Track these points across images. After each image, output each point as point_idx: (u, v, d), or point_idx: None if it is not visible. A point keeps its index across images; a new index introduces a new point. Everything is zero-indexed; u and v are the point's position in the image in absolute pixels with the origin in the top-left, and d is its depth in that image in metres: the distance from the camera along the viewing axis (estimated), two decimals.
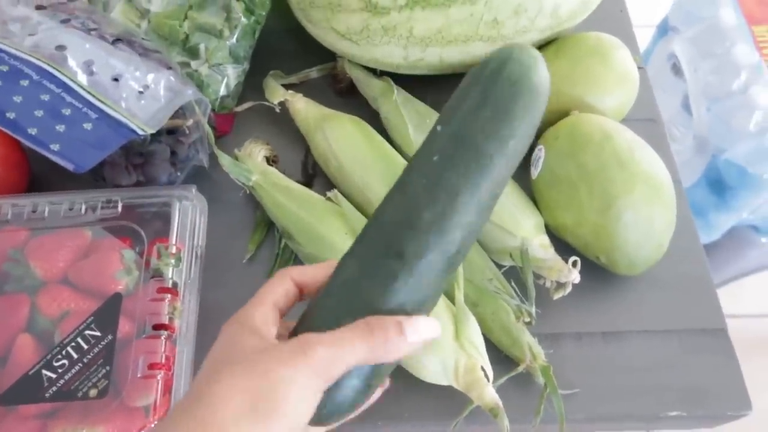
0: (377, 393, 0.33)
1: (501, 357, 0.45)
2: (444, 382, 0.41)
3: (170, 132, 0.50)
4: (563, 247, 0.48)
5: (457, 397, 0.41)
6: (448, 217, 0.30)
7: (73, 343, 0.40)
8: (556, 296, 0.46)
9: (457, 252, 0.31)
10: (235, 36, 0.54)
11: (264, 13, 0.56)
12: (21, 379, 0.40)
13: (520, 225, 0.47)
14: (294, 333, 0.31)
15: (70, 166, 0.42)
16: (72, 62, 0.45)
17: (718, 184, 0.87)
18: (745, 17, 0.91)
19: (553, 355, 0.45)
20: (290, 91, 0.56)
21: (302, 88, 0.58)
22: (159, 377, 0.40)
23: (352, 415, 0.31)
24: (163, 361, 0.40)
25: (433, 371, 0.41)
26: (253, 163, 0.52)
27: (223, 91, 0.55)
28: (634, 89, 0.53)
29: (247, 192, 0.52)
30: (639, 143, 0.47)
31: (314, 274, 0.32)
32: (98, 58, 0.46)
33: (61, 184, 0.51)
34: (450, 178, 0.30)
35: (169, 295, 0.42)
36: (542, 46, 0.54)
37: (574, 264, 0.45)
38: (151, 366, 0.40)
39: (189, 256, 0.46)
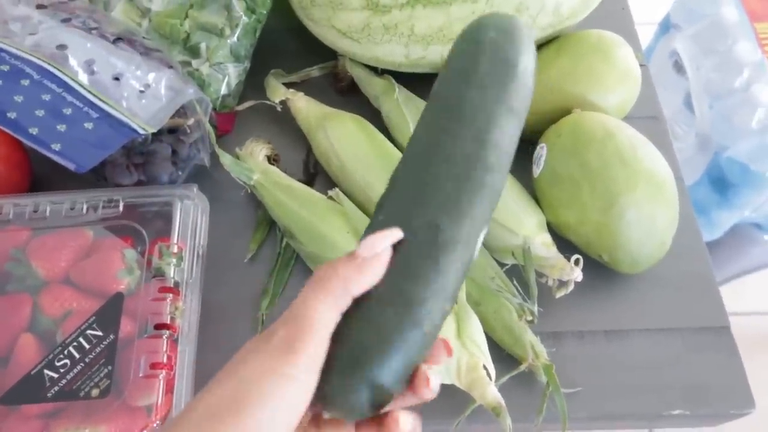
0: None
1: (503, 356, 0.45)
2: (446, 381, 0.41)
3: (171, 131, 0.50)
4: (565, 245, 0.47)
5: (460, 395, 0.41)
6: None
7: (75, 343, 0.40)
8: (559, 295, 0.46)
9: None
10: (236, 35, 0.54)
11: (265, 12, 0.56)
12: (23, 378, 0.40)
13: (522, 223, 0.46)
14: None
15: (71, 166, 0.42)
16: (73, 61, 0.45)
17: (721, 182, 0.87)
18: (748, 14, 0.91)
19: (556, 354, 0.45)
20: (291, 90, 0.56)
21: (303, 86, 0.58)
22: (161, 377, 0.40)
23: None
24: (165, 360, 0.40)
25: (436, 370, 0.41)
26: (254, 162, 0.52)
27: (224, 90, 0.55)
28: (636, 87, 0.53)
29: (249, 191, 0.52)
30: (641, 141, 0.47)
31: None
32: (99, 58, 0.46)
33: (62, 183, 0.51)
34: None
35: (170, 295, 0.42)
36: (544, 44, 0.54)
37: (577, 262, 0.44)
38: (153, 366, 0.40)
39: (191, 256, 0.46)
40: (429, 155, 0.30)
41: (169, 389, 0.40)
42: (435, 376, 0.27)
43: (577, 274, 0.44)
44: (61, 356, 0.40)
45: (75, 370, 0.40)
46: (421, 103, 0.54)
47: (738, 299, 1.17)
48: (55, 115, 0.43)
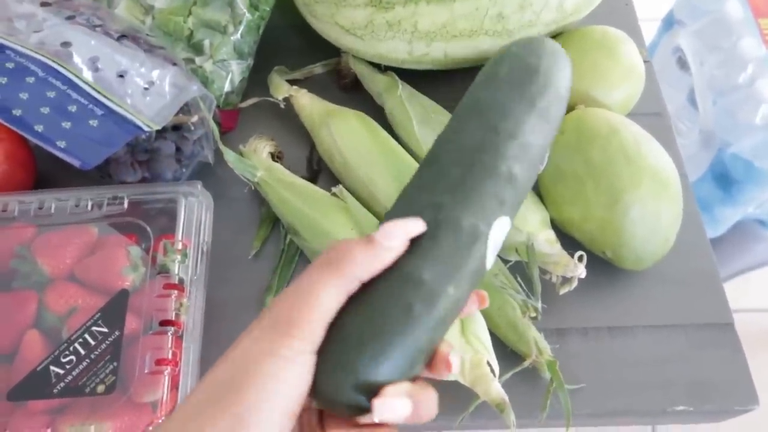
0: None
1: (507, 352, 0.45)
2: (450, 377, 0.41)
3: (175, 128, 0.50)
4: (569, 241, 0.47)
5: (463, 392, 0.41)
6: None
7: (80, 340, 0.41)
8: (562, 291, 0.46)
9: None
10: (240, 32, 0.54)
11: (268, 9, 0.56)
12: (29, 375, 0.40)
13: (526, 220, 0.46)
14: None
15: (76, 163, 0.42)
16: (77, 59, 0.45)
17: (724, 179, 0.87)
18: (752, 10, 0.90)
19: (559, 350, 0.45)
20: (295, 87, 0.56)
21: (306, 83, 0.58)
22: (166, 373, 0.40)
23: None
24: (170, 357, 0.40)
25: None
26: (258, 159, 0.52)
27: (227, 87, 0.55)
28: (640, 83, 0.52)
29: (252, 188, 0.52)
30: (645, 137, 0.47)
31: None
32: (103, 55, 0.46)
33: (66, 181, 0.51)
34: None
35: (175, 291, 0.43)
36: None
37: (580, 259, 0.44)
38: (158, 362, 0.40)
39: (195, 253, 0.46)
40: (441, 148, 0.30)
41: (175, 385, 0.40)
42: (457, 359, 0.26)
43: (581, 271, 0.44)
44: (67, 352, 0.40)
45: (80, 367, 0.40)
46: (424, 100, 0.54)
47: (741, 296, 1.17)
48: (60, 113, 0.43)
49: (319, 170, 0.55)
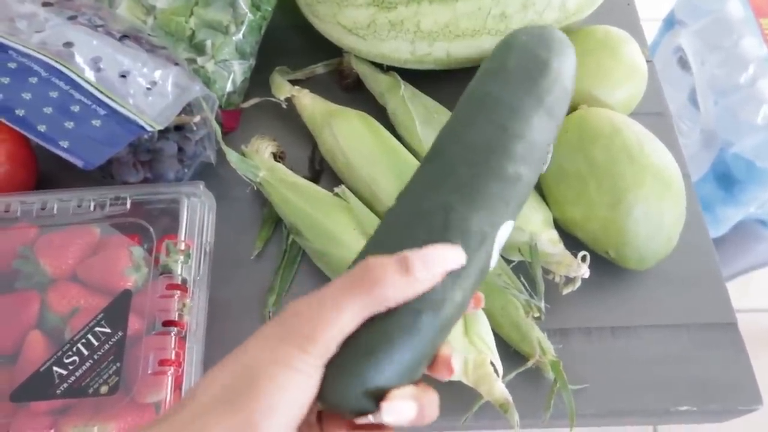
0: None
1: (510, 352, 0.45)
2: (454, 378, 0.41)
3: (177, 128, 0.50)
4: (572, 241, 0.47)
5: (467, 392, 0.41)
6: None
7: (83, 340, 0.41)
8: (565, 291, 0.46)
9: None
10: (242, 32, 0.54)
11: (270, 9, 0.56)
12: (32, 375, 0.40)
13: (529, 220, 0.46)
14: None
15: (79, 163, 0.42)
16: (79, 59, 0.45)
17: (726, 178, 0.87)
18: (753, 10, 0.90)
19: (563, 350, 0.45)
20: (297, 87, 0.56)
21: (309, 84, 0.58)
22: (169, 373, 0.40)
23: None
24: (174, 357, 0.40)
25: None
26: (260, 160, 0.52)
27: (229, 87, 0.55)
28: (642, 83, 0.52)
29: (255, 188, 0.52)
30: (648, 137, 0.47)
31: None
32: (106, 55, 0.46)
33: (68, 181, 0.51)
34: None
35: (178, 292, 0.42)
36: None
37: (583, 259, 0.44)
38: (162, 362, 0.40)
39: (198, 253, 0.46)
40: (447, 143, 0.30)
41: (178, 386, 0.40)
42: (458, 363, 0.27)
43: (584, 271, 0.44)
44: (70, 353, 0.40)
45: (84, 367, 0.40)
46: (426, 100, 0.54)
47: (743, 296, 1.17)
48: (63, 113, 0.43)
49: (321, 170, 0.55)
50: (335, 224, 0.47)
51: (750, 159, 0.82)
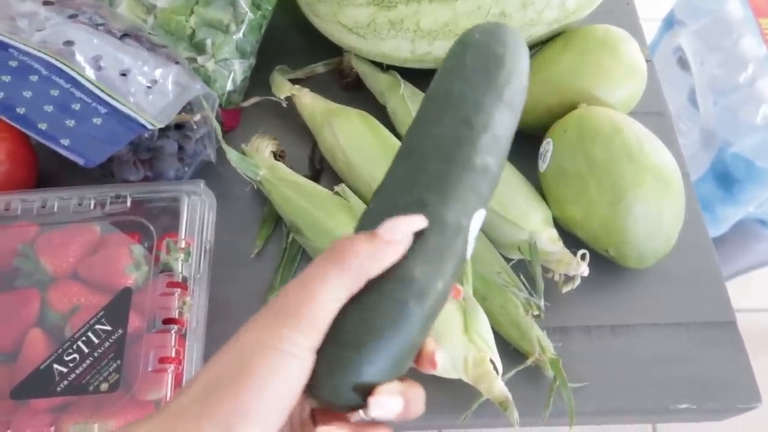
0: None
1: (510, 350, 0.45)
2: (453, 376, 0.41)
3: (178, 127, 0.50)
4: (572, 240, 0.47)
5: (467, 390, 0.41)
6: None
7: (83, 338, 0.41)
8: (565, 290, 0.46)
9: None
10: (242, 31, 0.54)
11: (270, 8, 0.56)
12: (32, 373, 0.40)
13: (529, 219, 0.47)
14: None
15: (80, 161, 0.42)
16: (80, 57, 0.45)
17: (725, 178, 0.87)
18: (752, 10, 0.90)
19: (562, 349, 0.45)
20: (297, 86, 0.56)
21: (309, 83, 0.58)
22: (170, 371, 0.40)
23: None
24: (174, 355, 0.40)
25: (443, 364, 0.41)
26: (260, 158, 0.52)
27: (229, 86, 0.55)
28: (642, 82, 0.53)
29: (255, 187, 0.52)
30: (648, 136, 0.47)
31: None
32: (106, 53, 0.46)
33: (69, 180, 0.51)
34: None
35: (178, 290, 0.43)
36: (550, 39, 0.54)
37: (583, 257, 0.44)
38: (162, 360, 0.40)
39: (198, 251, 0.46)
40: (417, 141, 0.31)
41: (178, 383, 0.40)
42: (441, 357, 0.27)
43: (584, 269, 0.44)
44: (70, 351, 0.40)
45: (84, 365, 0.40)
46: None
47: (742, 296, 1.17)
48: (64, 111, 0.43)
49: (321, 169, 0.55)
50: (335, 223, 0.47)
51: (749, 158, 0.83)
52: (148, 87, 0.46)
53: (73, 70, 0.45)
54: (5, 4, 0.48)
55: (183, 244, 0.44)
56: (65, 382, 0.39)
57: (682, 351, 0.47)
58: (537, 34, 0.52)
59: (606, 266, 0.48)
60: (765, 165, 0.82)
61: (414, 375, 0.39)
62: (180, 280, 0.43)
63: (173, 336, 0.41)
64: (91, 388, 0.39)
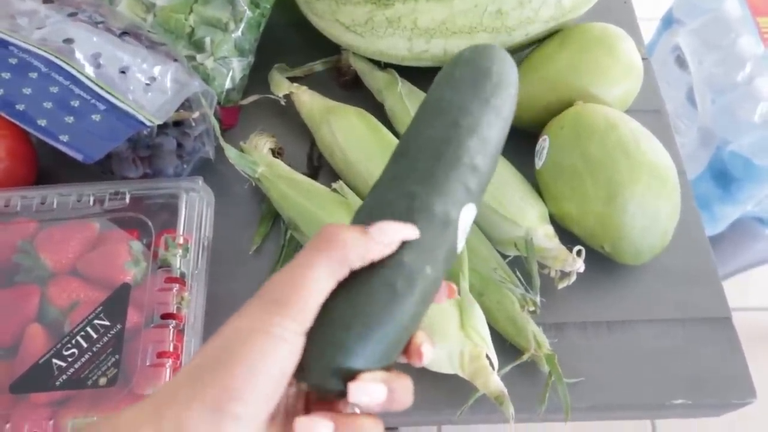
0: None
1: (506, 346, 0.45)
2: (449, 371, 0.42)
3: (177, 124, 0.50)
4: (568, 236, 0.48)
5: (463, 385, 0.42)
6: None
7: (82, 333, 0.41)
8: (561, 286, 0.46)
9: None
10: (240, 29, 0.54)
11: (269, 6, 0.56)
12: (32, 367, 0.40)
13: (525, 215, 0.47)
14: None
15: (79, 157, 0.43)
16: (79, 55, 0.46)
17: (723, 176, 0.87)
18: (750, 9, 0.91)
19: (558, 345, 0.46)
20: (295, 84, 0.57)
21: (307, 81, 0.58)
22: (168, 366, 0.40)
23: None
24: (172, 350, 0.41)
25: (439, 360, 0.41)
26: (258, 156, 0.52)
27: (228, 84, 0.55)
28: (638, 80, 0.53)
29: (253, 184, 0.52)
30: (644, 133, 0.47)
31: None
32: (105, 51, 0.47)
33: (68, 177, 0.52)
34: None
35: (176, 285, 0.43)
36: (547, 37, 0.54)
37: (579, 253, 0.45)
38: (160, 355, 0.40)
39: (196, 247, 0.46)
40: (409, 143, 0.32)
41: None
42: (429, 349, 0.27)
43: (579, 265, 0.45)
44: (69, 346, 0.41)
45: (83, 359, 0.40)
46: (424, 97, 0.54)
47: (740, 295, 1.17)
48: (63, 107, 0.44)
49: (319, 166, 0.56)
50: (333, 219, 0.47)
51: (747, 157, 0.83)
52: (147, 84, 0.46)
53: (73, 67, 0.45)
54: (6, 2, 0.49)
55: (181, 241, 0.45)
56: (64, 377, 0.40)
57: (678, 347, 0.47)
58: (534, 32, 0.52)
59: (602, 263, 0.49)
60: (763, 163, 0.82)
61: (412, 372, 0.40)
62: (178, 276, 0.43)
63: (171, 331, 0.41)
64: (89, 382, 0.40)
